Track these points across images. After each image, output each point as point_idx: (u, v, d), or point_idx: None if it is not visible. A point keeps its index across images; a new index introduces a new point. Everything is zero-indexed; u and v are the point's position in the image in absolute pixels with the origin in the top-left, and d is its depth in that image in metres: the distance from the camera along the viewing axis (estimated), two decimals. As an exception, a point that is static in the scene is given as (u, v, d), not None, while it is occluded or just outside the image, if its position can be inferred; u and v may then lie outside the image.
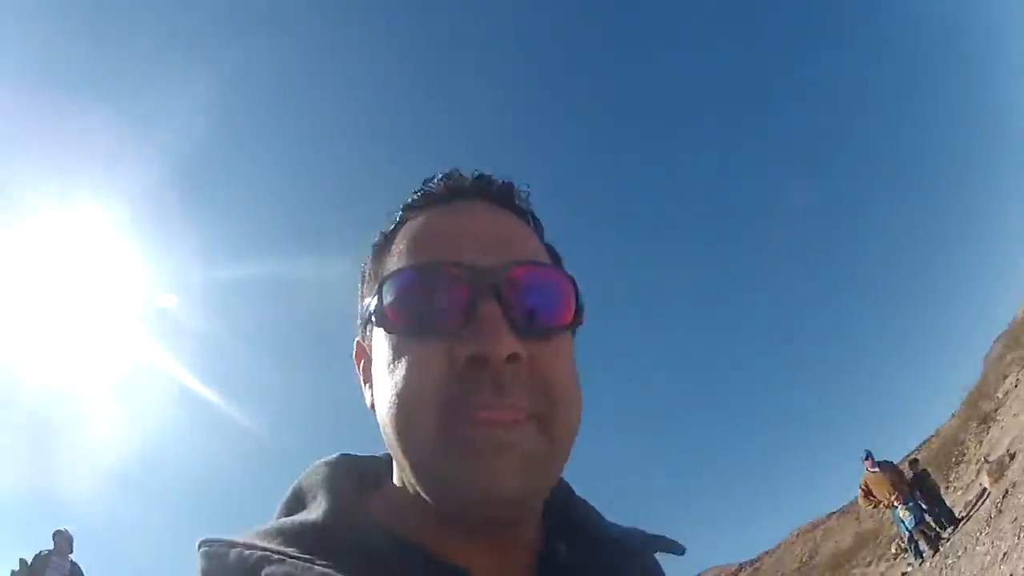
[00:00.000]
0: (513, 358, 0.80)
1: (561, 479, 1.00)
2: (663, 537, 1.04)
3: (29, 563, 10.69)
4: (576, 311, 0.92)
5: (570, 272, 0.95)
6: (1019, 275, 36.55)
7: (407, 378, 0.82)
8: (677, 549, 1.04)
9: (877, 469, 13.67)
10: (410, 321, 0.86)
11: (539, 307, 0.88)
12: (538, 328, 0.87)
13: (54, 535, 11.03)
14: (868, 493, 13.90)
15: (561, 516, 1.00)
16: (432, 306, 0.85)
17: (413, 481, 0.84)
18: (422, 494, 0.83)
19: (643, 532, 1.04)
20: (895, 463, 14.32)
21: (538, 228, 1.03)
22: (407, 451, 0.83)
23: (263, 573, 0.75)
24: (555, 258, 1.02)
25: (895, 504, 13.50)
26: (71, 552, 11.15)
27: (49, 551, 10.83)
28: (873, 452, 13.86)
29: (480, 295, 0.83)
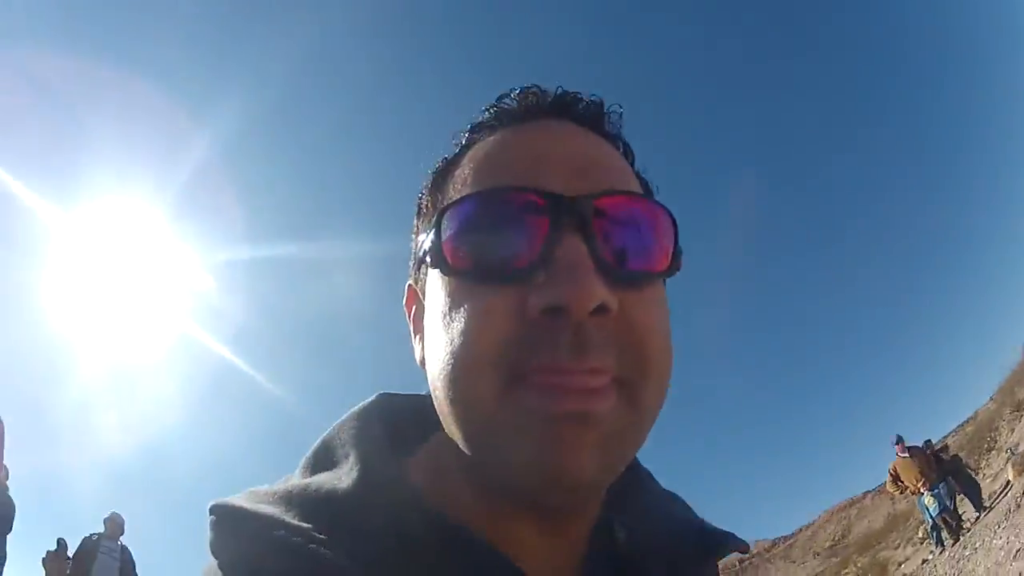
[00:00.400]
0: (601, 310, 0.68)
1: None
2: (733, 536, 0.94)
3: (79, 546, 10.58)
4: (674, 255, 0.79)
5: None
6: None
7: (465, 332, 0.70)
8: (744, 549, 0.95)
9: (907, 455, 13.59)
10: (473, 261, 0.73)
11: (633, 247, 0.75)
12: (631, 273, 0.74)
13: (105, 520, 10.92)
14: (896, 478, 13.86)
15: (624, 494, 0.90)
16: (501, 242, 0.73)
17: (467, 453, 0.74)
18: (476, 468, 0.75)
19: (711, 528, 0.94)
20: (927, 447, 14.26)
21: (630, 156, 0.90)
22: (461, 420, 0.73)
23: (282, 565, 0.67)
24: (648, 192, 0.88)
25: (922, 491, 13.44)
26: (122, 534, 11.07)
27: (99, 534, 10.74)
28: (904, 437, 13.74)
29: (562, 229, 0.70)
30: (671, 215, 0.79)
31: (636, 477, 0.95)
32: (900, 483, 13.87)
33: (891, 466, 13.93)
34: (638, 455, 0.88)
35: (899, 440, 13.76)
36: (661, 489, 1.00)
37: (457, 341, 0.70)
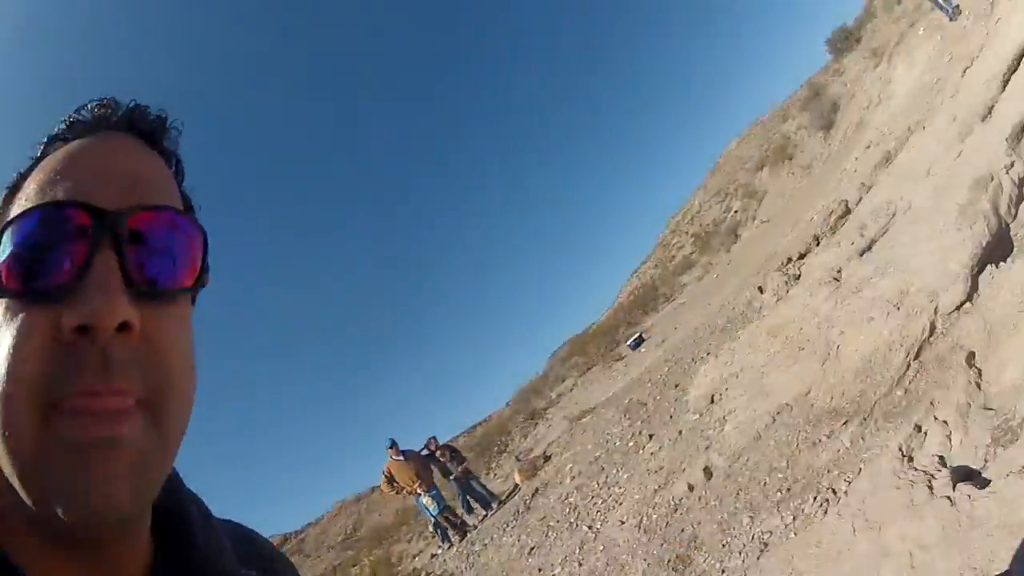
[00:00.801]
0: (125, 327, 0.66)
1: (171, 476, 0.84)
2: None
3: None
4: (202, 271, 0.80)
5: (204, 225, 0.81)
6: (616, 283, 41.13)
7: (3, 360, 0.66)
8: None
9: (401, 457, 14.08)
10: (21, 280, 0.69)
11: (162, 263, 0.74)
12: (158, 290, 0.73)
13: None
14: (391, 480, 14.26)
15: (176, 535, 0.84)
16: (47, 259, 0.69)
17: (16, 490, 0.67)
18: (24, 504, 0.67)
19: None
20: (431, 443, 15.14)
21: (180, 173, 0.88)
22: (6, 456, 0.66)
23: None
24: (189, 209, 0.87)
25: (419, 492, 13.96)
26: None
27: None
28: (398, 440, 14.30)
29: (99, 245, 0.69)
30: (203, 232, 0.81)
31: (185, 514, 0.87)
32: (395, 484, 14.27)
33: (385, 468, 14.28)
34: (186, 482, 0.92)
35: (392, 444, 14.20)
36: (214, 523, 0.93)
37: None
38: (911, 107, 15.33)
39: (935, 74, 15.40)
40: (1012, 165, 10.83)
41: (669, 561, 7.64)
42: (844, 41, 29.99)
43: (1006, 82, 12.48)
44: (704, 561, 7.30)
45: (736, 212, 30.95)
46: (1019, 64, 12.40)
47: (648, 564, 7.81)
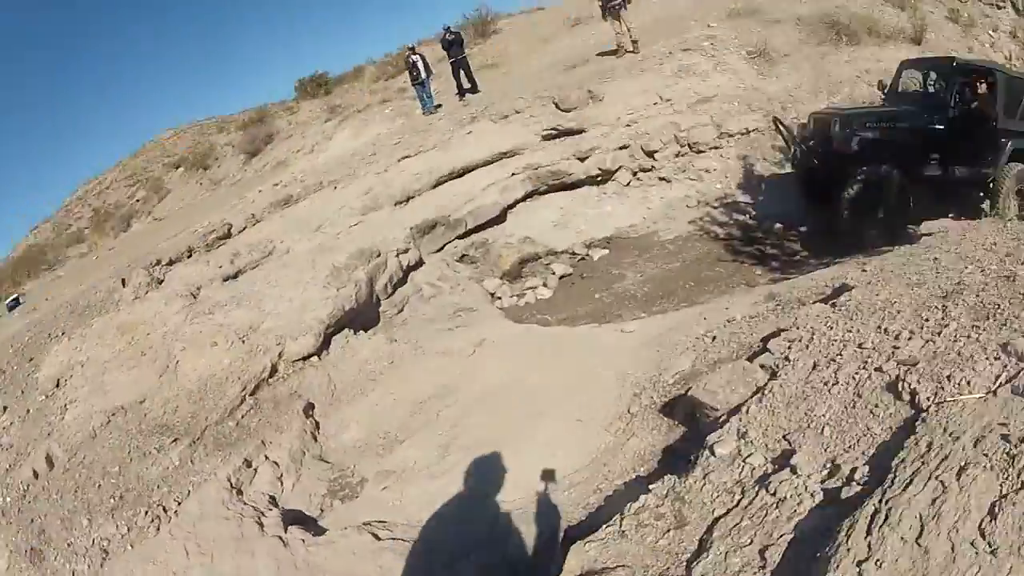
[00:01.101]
0: None
1: None
2: None
3: None
4: None
5: None
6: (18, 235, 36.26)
7: None
8: None
9: None
10: None
11: None
12: None
13: None
14: None
15: None
16: None
17: None
18: None
19: None
20: None
21: None
22: None
23: None
24: None
25: None
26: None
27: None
28: None
29: None
30: None
31: None
32: None
33: None
34: None
35: None
36: None
37: None
38: (336, 167, 16.12)
39: (375, 148, 16.24)
40: (406, 251, 12.22)
41: (27, 552, 7.04)
42: (313, 87, 31.32)
43: (439, 183, 13.89)
44: (55, 559, 6.93)
45: (138, 201, 30.43)
46: (460, 176, 14.02)
47: (11, 553, 7.08)
